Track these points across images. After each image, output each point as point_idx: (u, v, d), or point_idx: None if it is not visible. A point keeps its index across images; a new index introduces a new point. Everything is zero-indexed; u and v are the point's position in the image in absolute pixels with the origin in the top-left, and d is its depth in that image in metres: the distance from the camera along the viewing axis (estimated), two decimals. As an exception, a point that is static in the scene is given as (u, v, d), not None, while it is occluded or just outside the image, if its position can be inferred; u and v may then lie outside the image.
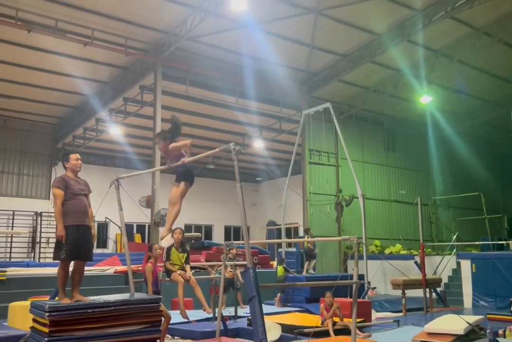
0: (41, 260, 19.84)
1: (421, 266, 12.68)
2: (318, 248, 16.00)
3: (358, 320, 7.47)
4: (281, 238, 18.33)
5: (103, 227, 22.78)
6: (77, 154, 5.84)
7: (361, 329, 8.96)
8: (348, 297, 10.31)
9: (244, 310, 11.03)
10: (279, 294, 12.78)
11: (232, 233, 27.85)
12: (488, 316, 10.14)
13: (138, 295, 6.31)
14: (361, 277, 11.64)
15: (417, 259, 14.00)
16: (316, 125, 17.92)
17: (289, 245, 18.92)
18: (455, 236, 16.29)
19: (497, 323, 9.41)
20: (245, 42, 15.01)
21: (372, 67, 17.06)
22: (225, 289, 10.76)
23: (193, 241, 18.42)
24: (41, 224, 21.04)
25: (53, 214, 5.72)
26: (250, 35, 14.66)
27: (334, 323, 8.57)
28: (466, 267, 13.47)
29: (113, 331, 5.18)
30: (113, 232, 23.22)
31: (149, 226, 19.72)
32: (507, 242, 16.32)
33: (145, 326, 5.40)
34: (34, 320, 5.32)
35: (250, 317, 8.46)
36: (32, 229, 20.98)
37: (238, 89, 17.02)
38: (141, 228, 24.05)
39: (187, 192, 6.70)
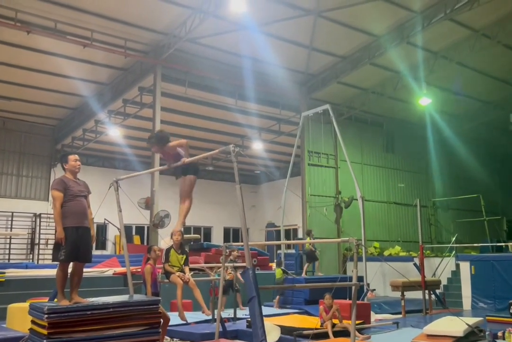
0: (40, 262, 19.81)
1: (420, 268, 12.67)
2: (318, 249, 15.97)
3: (357, 322, 7.46)
4: (280, 240, 18.31)
5: (102, 229, 22.76)
6: (76, 156, 5.82)
7: (360, 331, 8.94)
8: (347, 299, 10.28)
9: (243, 312, 11.02)
10: (277, 297, 12.74)
11: (231, 234, 27.83)
12: (487, 318, 10.14)
13: (137, 297, 6.29)
14: (360, 278, 11.59)
15: (416, 260, 13.99)
16: (315, 127, 17.93)
17: (288, 246, 18.93)
18: (454, 238, 16.29)
19: (496, 325, 9.41)
20: (245, 43, 15.03)
21: (371, 69, 17.08)
22: (224, 290, 10.76)
23: (192, 243, 18.39)
24: (40, 226, 21.02)
25: (52, 216, 5.73)
26: (249, 36, 14.67)
27: (333, 325, 8.55)
28: (465, 269, 13.46)
29: (112, 333, 5.17)
30: (112, 233, 23.19)
31: (148, 227, 19.71)
32: (506, 243, 16.34)
33: (144, 328, 5.39)
34: (33, 322, 5.31)
35: (249, 319, 8.45)
36: (31, 231, 20.96)
37: (238, 91, 17.03)
38: (140, 229, 24.03)
39: (195, 184, 6.69)
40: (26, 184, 21.27)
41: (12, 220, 20.50)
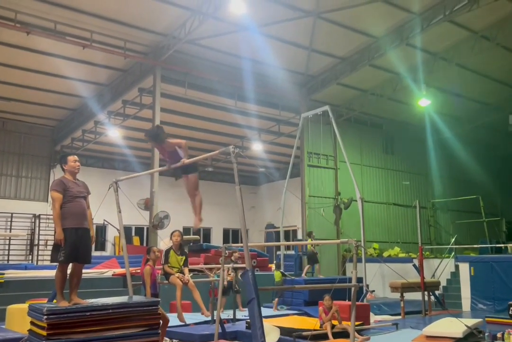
0: (39, 263, 19.80)
1: (420, 269, 12.67)
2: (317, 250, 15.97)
3: (356, 323, 7.46)
4: (279, 241, 18.30)
5: (101, 230, 22.74)
6: (75, 156, 5.82)
7: (359, 332, 8.95)
8: (347, 300, 10.29)
9: (242, 313, 11.01)
10: (276, 299, 12.71)
11: (231, 235, 27.82)
12: (486, 319, 10.14)
13: (137, 298, 6.29)
14: (359, 280, 11.60)
15: (416, 262, 13.99)
16: (315, 128, 17.95)
17: (288, 247, 18.92)
18: (453, 239, 16.31)
19: (495, 326, 9.41)
20: (244, 45, 15.03)
21: (370, 70, 17.09)
22: (225, 291, 10.77)
23: (191, 244, 18.39)
24: (39, 226, 21.00)
25: (51, 216, 5.72)
26: (249, 38, 14.68)
27: (333, 326, 8.55)
28: (465, 270, 13.47)
29: (111, 334, 5.17)
30: (111, 234, 23.18)
31: (147, 228, 19.71)
32: (506, 245, 16.35)
33: (144, 329, 5.39)
34: (32, 323, 5.30)
35: (248, 320, 8.45)
36: (30, 231, 20.95)
37: (237, 92, 17.04)
38: (139, 230, 24.01)
39: (198, 180, 6.69)
40: (26, 184, 21.26)
41: (11, 221, 20.48)
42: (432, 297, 12.82)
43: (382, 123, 21.63)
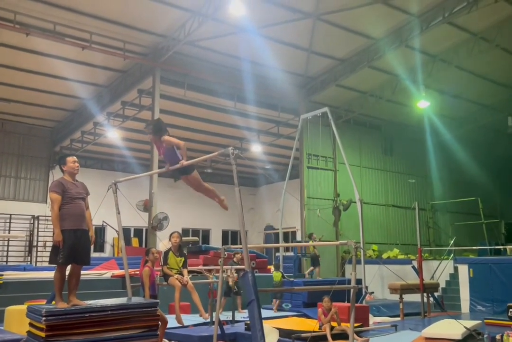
0: (38, 264, 19.77)
1: (419, 271, 12.67)
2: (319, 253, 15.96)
3: (355, 324, 7.45)
4: (279, 242, 18.29)
5: (100, 231, 22.72)
6: (74, 157, 5.82)
7: (358, 333, 8.93)
8: (346, 302, 10.28)
9: (241, 315, 11.00)
10: (278, 301, 12.68)
11: (230, 237, 27.80)
12: (485, 321, 10.14)
13: (136, 299, 6.28)
14: (358, 281, 11.60)
15: (415, 263, 13.99)
16: (314, 130, 17.94)
17: (287, 249, 18.91)
18: (452, 241, 16.29)
19: (494, 328, 9.39)
20: (244, 46, 15.05)
21: (370, 72, 17.11)
22: (226, 292, 10.77)
23: (190, 245, 18.39)
24: (38, 228, 20.97)
25: (50, 218, 5.72)
26: (248, 39, 14.69)
27: (332, 328, 8.54)
28: (464, 271, 13.46)
29: (110, 335, 5.16)
30: (110, 235, 23.17)
31: (146, 230, 19.69)
32: (505, 247, 16.35)
33: (143, 330, 5.38)
34: (31, 324, 5.29)
35: (247, 322, 8.44)
36: (29, 233, 20.92)
37: (236, 93, 17.04)
38: (138, 232, 23.99)
39: (199, 176, 6.68)
40: (25, 186, 21.24)
41: (10, 222, 20.45)
42: (431, 299, 12.81)
43: (381, 125, 21.65)
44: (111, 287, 11.67)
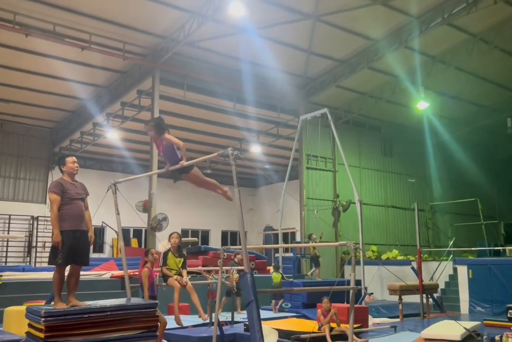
0: (37, 265, 19.76)
1: (418, 272, 12.67)
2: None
3: (355, 325, 7.45)
4: (278, 243, 18.29)
5: (99, 232, 22.69)
6: (74, 158, 5.80)
7: (358, 334, 8.93)
8: (345, 303, 10.28)
9: (241, 316, 10.99)
10: (281, 301, 12.66)
11: (229, 238, 27.80)
12: (485, 322, 10.14)
13: (135, 300, 6.27)
14: (358, 282, 11.60)
15: (414, 264, 14.00)
16: (313, 131, 17.93)
17: (286, 250, 18.89)
18: (451, 242, 16.30)
19: (493, 329, 9.40)
20: (243, 47, 15.05)
21: (369, 73, 17.12)
22: (228, 293, 10.78)
23: (189, 246, 18.38)
24: (37, 228, 20.96)
25: (49, 218, 5.70)
26: (248, 40, 14.70)
27: (331, 329, 8.54)
28: (463, 272, 13.46)
29: (109, 336, 5.15)
30: (109, 236, 23.17)
31: (146, 230, 19.70)
32: (504, 247, 16.35)
33: (142, 331, 5.37)
34: (30, 325, 5.28)
35: (246, 322, 8.43)
36: (28, 233, 20.90)
37: (236, 94, 17.05)
38: (137, 232, 23.98)
39: (199, 171, 6.67)
40: (24, 186, 21.23)
41: (9, 223, 20.45)
42: (431, 300, 12.82)
43: (380, 125, 21.67)
44: (110, 287, 11.65)
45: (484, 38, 15.53)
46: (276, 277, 12.72)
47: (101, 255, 22.54)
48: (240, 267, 10.85)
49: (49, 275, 8.85)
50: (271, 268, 16.25)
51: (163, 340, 7.24)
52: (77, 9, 13.18)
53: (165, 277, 7.54)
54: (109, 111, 17.94)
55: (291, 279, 13.95)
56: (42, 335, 4.90)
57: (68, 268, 5.50)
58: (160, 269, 7.66)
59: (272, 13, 13.81)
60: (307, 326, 9.17)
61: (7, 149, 20.82)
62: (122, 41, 14.64)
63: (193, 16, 13.47)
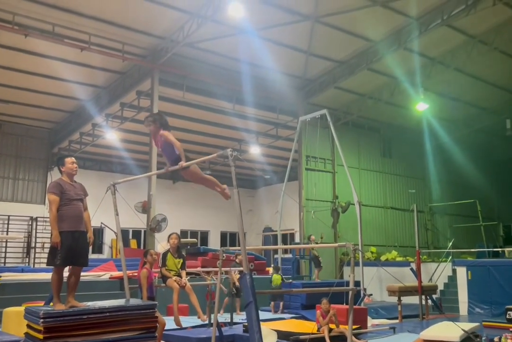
0: (36, 265, 19.73)
1: (417, 273, 12.67)
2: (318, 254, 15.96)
3: (354, 327, 7.44)
4: (277, 244, 18.30)
5: (98, 232, 22.66)
6: (73, 158, 5.78)
7: (357, 336, 8.93)
8: (344, 304, 10.27)
9: (239, 317, 10.99)
10: (281, 303, 12.66)
11: (228, 239, 27.79)
12: (483, 323, 10.14)
13: (134, 301, 6.26)
14: (357, 283, 11.61)
15: (413, 265, 13.99)
16: (312, 132, 17.95)
17: (285, 251, 18.90)
18: (450, 243, 16.31)
19: (492, 330, 9.40)
20: (243, 48, 15.06)
21: (368, 74, 17.13)
22: (229, 293, 10.79)
23: (189, 247, 18.37)
24: (36, 229, 20.94)
25: (48, 219, 5.69)
26: (247, 41, 14.71)
27: (330, 330, 8.54)
28: (462, 274, 13.47)
29: (108, 337, 5.13)
30: (108, 237, 23.15)
31: (145, 231, 19.68)
32: (503, 249, 16.37)
33: (141, 332, 5.35)
34: (29, 326, 5.27)
35: (245, 324, 8.42)
36: (27, 234, 20.88)
37: (235, 95, 17.05)
38: (137, 233, 23.97)
39: (197, 168, 6.64)
40: (23, 187, 21.22)
41: (8, 223, 20.43)
42: (430, 301, 12.82)
43: (379, 127, 21.67)
44: (109, 288, 11.64)
45: (483, 40, 15.55)
46: (276, 278, 12.70)
47: (100, 256, 22.51)
48: (241, 268, 10.84)
49: (48, 276, 8.83)
50: (270, 269, 16.26)
51: (162, 341, 7.24)
52: (76, 10, 13.18)
53: (164, 278, 7.53)
54: (108, 112, 17.94)
55: (290, 280, 13.94)
56: (40, 336, 4.88)
57: (67, 269, 5.49)
58: (159, 269, 7.66)
59: (271, 14, 13.83)
60: (306, 327, 9.17)
61: (6, 150, 20.80)
62: (121, 42, 14.64)
63: (193, 17, 13.48)
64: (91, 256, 18.21)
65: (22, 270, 14.55)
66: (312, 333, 8.29)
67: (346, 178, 15.73)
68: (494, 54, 16.17)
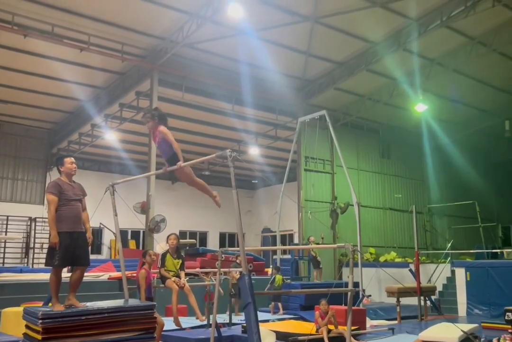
0: (35, 266, 19.70)
1: (416, 274, 12.66)
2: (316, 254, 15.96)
3: (352, 327, 7.45)
4: (276, 245, 18.28)
5: (97, 233, 22.65)
6: (72, 158, 5.78)
7: (355, 336, 8.92)
8: (343, 305, 10.26)
9: (238, 317, 10.98)
10: (279, 304, 12.65)
11: (227, 239, 27.78)
12: (482, 324, 10.13)
13: (132, 302, 6.26)
14: (356, 284, 11.61)
15: (412, 266, 13.99)
16: (311, 133, 17.95)
17: (284, 252, 18.88)
18: (449, 244, 16.32)
19: (491, 331, 9.39)
20: (242, 49, 15.06)
21: (367, 75, 17.14)
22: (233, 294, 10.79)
23: (187, 247, 18.36)
24: (35, 229, 20.93)
25: (47, 219, 5.67)
26: (246, 42, 14.71)
27: (329, 331, 8.53)
28: (461, 275, 13.47)
29: (107, 338, 5.13)
30: (107, 237, 23.14)
31: (143, 232, 19.66)
32: (501, 250, 16.37)
33: (139, 333, 5.35)
34: (27, 327, 5.26)
35: (244, 324, 8.42)
36: (26, 234, 20.86)
37: (234, 96, 17.05)
38: (135, 234, 23.96)
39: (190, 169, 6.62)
40: (22, 187, 21.20)
41: (7, 224, 20.41)
42: (428, 302, 12.82)
43: (378, 128, 21.68)
44: (108, 289, 11.63)
45: (482, 41, 15.58)
46: (279, 279, 12.70)
47: (99, 256, 22.49)
48: (232, 269, 10.84)
49: (46, 276, 8.79)
50: (269, 270, 16.25)
51: (160, 341, 7.24)
52: (75, 10, 13.18)
53: (163, 279, 7.53)
54: (108, 112, 17.93)
55: (289, 281, 13.94)
56: (39, 336, 4.88)
57: (65, 269, 5.48)
58: (158, 270, 7.65)
59: (270, 15, 13.83)
60: (305, 328, 9.16)
61: (5, 150, 20.78)
62: (120, 43, 14.64)
63: (192, 17, 13.48)
64: (90, 257, 18.16)
65: (21, 271, 14.55)
66: (311, 334, 8.29)
67: (345, 179, 15.72)
68: (493, 55, 16.20)
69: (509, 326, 8.61)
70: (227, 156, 5.50)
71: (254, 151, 22.11)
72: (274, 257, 18.93)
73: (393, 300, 12.41)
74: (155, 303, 5.85)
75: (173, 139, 6.29)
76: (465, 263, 14.23)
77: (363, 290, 13.69)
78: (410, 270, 13.68)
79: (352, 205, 15.43)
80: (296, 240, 21.74)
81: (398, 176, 22.22)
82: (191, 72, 15.83)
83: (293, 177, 19.53)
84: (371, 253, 18.87)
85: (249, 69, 16.15)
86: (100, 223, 20.82)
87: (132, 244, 23.69)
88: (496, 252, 16.19)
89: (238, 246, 5.78)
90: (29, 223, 21.04)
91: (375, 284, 15.77)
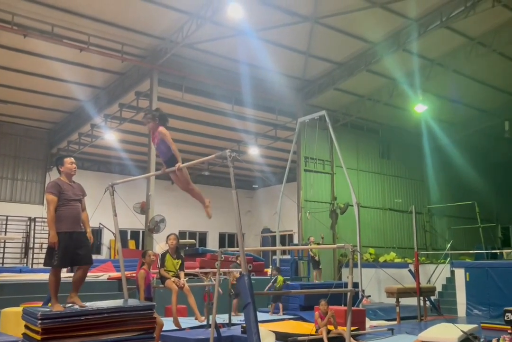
0: (34, 266, 19.70)
1: (415, 274, 12.66)
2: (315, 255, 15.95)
3: (352, 328, 7.45)
4: (275, 245, 18.27)
5: (97, 233, 22.61)
6: (72, 158, 5.78)
7: (355, 337, 8.92)
8: (343, 305, 10.26)
9: (238, 318, 10.98)
10: (280, 304, 12.64)
11: (227, 240, 27.78)
12: (482, 325, 10.13)
13: (132, 302, 6.26)
14: (355, 285, 11.61)
15: (411, 267, 13.99)
16: (311, 133, 17.95)
17: (284, 252, 18.88)
18: (449, 245, 16.31)
19: (491, 332, 9.40)
20: (242, 49, 15.06)
21: (367, 76, 17.14)
22: (235, 294, 10.79)
23: (187, 248, 18.36)
24: (34, 230, 20.92)
25: (46, 219, 5.67)
26: (246, 42, 14.71)
27: (329, 331, 8.53)
28: (460, 275, 13.48)
29: (106, 338, 5.13)
30: (107, 238, 23.13)
31: (143, 232, 19.66)
32: (501, 251, 16.38)
33: (139, 333, 5.35)
34: (26, 327, 5.26)
35: (244, 325, 8.42)
36: (26, 234, 20.85)
37: (234, 96, 17.05)
38: (135, 234, 23.95)
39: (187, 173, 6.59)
40: (21, 187, 21.19)
41: (6, 224, 20.40)
42: (428, 303, 12.82)
43: (378, 128, 21.68)
44: (108, 289, 11.61)
45: (482, 42, 15.58)
46: (280, 280, 12.69)
47: (99, 257, 22.49)
48: (232, 269, 10.83)
49: (46, 276, 8.77)
50: (268, 270, 16.24)
51: (160, 342, 7.23)
52: (75, 10, 13.18)
53: (162, 279, 7.52)
54: (107, 112, 17.93)
55: (288, 281, 13.93)
56: (38, 337, 4.87)
57: (64, 270, 5.48)
58: (157, 270, 7.65)
59: (270, 15, 13.84)
60: (305, 328, 9.16)
61: (4, 150, 20.78)
62: (120, 43, 14.64)
63: (192, 18, 13.48)
64: (90, 257, 18.15)
65: (20, 271, 14.53)
66: (310, 335, 8.28)
67: (345, 179, 15.72)
68: (493, 56, 16.21)
69: (509, 327, 8.61)
70: (227, 156, 5.50)
71: (253, 151, 22.10)
72: (274, 257, 18.94)
73: (392, 301, 12.42)
74: (154, 303, 5.84)
75: (171, 141, 6.29)
76: (464, 263, 14.24)
77: (363, 291, 13.68)
78: (410, 271, 13.68)
79: (352, 205, 15.43)
80: (295, 240, 21.73)
81: (398, 176, 22.22)
82: (191, 73, 15.83)
83: (293, 177, 19.53)
84: (370, 254, 18.87)
85: (249, 70, 16.15)
86: (100, 223, 20.79)
87: (131, 244, 23.69)
88: (496, 253, 16.20)
89: (237, 246, 5.78)
90: (28, 223, 21.03)
91: (374, 285, 15.77)
